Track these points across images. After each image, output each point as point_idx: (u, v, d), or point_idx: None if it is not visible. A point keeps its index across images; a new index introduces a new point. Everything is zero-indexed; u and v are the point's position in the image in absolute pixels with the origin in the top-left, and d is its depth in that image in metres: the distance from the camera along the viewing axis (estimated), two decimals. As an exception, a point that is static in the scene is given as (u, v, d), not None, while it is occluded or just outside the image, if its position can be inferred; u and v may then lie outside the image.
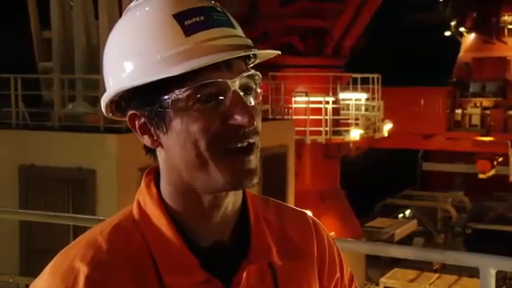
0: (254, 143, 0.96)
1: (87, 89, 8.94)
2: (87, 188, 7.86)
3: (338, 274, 1.17)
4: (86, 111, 8.69)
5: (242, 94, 0.96)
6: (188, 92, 0.93)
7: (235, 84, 0.95)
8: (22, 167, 8.26)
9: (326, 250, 1.14)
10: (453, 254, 2.40)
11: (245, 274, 1.00)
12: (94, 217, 3.64)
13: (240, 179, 0.95)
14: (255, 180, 0.96)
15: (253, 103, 0.98)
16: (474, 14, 23.80)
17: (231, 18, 0.99)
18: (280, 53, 1.02)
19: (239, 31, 0.99)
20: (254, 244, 1.02)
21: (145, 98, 0.96)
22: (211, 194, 0.98)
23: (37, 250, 7.67)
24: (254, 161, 0.96)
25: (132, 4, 1.00)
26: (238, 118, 0.94)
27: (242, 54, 0.95)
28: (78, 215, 4.47)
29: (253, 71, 0.98)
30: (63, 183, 7.98)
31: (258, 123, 0.98)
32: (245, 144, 0.95)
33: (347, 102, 14.37)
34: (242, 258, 1.01)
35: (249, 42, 0.99)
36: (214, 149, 0.94)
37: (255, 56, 1.00)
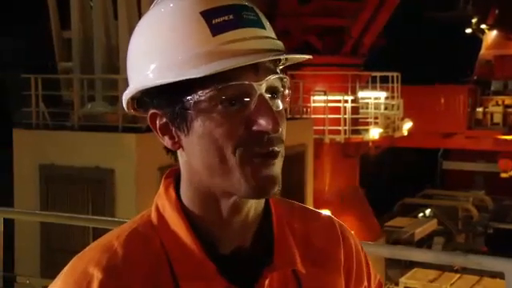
0: (278, 151, 0.93)
1: (106, 88, 9.00)
2: (106, 187, 7.92)
3: (366, 283, 1.13)
4: (105, 111, 8.74)
5: (268, 96, 0.93)
6: (211, 93, 0.90)
7: (261, 87, 0.92)
8: (42, 166, 8.34)
9: (354, 257, 1.10)
10: (476, 257, 2.34)
11: (267, 281, 0.97)
12: (109, 218, 3.66)
13: (262, 187, 0.92)
14: (277, 188, 0.93)
15: (280, 107, 0.95)
16: (496, 11, 23.50)
17: (262, 18, 0.95)
18: (311, 57, 0.98)
19: (269, 32, 0.95)
20: (277, 250, 0.99)
21: (167, 98, 0.93)
22: (232, 200, 0.95)
23: (57, 249, 7.74)
24: (277, 166, 0.93)
25: None
26: (263, 124, 0.90)
27: (269, 58, 0.91)
28: (94, 217, 4.50)
29: (281, 74, 0.95)
30: (83, 182, 8.04)
31: (283, 131, 0.95)
32: (269, 150, 0.92)
33: (366, 100, 14.27)
34: (264, 265, 0.98)
35: (278, 44, 0.95)
36: (240, 154, 0.91)
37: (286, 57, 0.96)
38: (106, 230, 1.04)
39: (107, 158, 7.96)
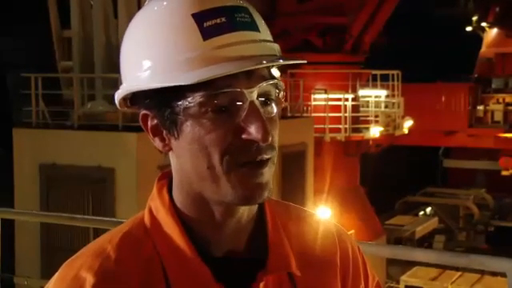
0: (268, 159, 0.92)
1: (107, 87, 8.98)
2: (107, 186, 7.91)
3: (363, 285, 1.12)
4: (105, 110, 8.73)
5: (261, 101, 0.91)
6: (201, 99, 0.88)
7: (253, 94, 0.89)
8: (43, 166, 8.33)
9: (350, 260, 1.09)
10: (479, 258, 2.33)
11: (262, 285, 0.96)
12: (110, 219, 3.65)
13: (249, 194, 0.91)
14: (266, 195, 0.92)
15: (274, 112, 0.93)
16: (497, 9, 23.49)
17: (256, 19, 0.93)
18: (306, 61, 0.96)
19: (264, 34, 0.93)
20: (272, 253, 0.98)
21: (157, 101, 0.92)
22: (223, 203, 0.94)
23: (58, 249, 7.74)
24: (266, 175, 0.92)
25: None
26: (252, 133, 0.89)
27: (260, 66, 0.89)
28: (94, 217, 4.47)
29: (274, 80, 0.92)
30: (83, 182, 8.03)
31: (275, 137, 0.92)
32: (258, 159, 0.90)
33: (367, 98, 14.26)
34: (258, 269, 0.97)
35: (272, 47, 0.93)
36: (226, 162, 0.90)
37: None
38: (106, 231, 1.03)
39: (108, 157, 7.95)
